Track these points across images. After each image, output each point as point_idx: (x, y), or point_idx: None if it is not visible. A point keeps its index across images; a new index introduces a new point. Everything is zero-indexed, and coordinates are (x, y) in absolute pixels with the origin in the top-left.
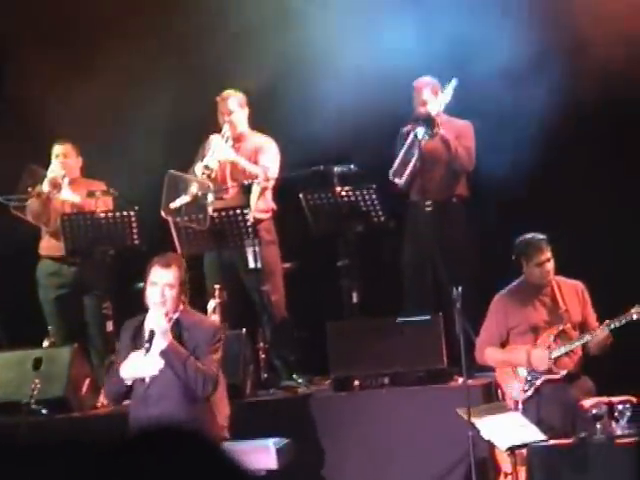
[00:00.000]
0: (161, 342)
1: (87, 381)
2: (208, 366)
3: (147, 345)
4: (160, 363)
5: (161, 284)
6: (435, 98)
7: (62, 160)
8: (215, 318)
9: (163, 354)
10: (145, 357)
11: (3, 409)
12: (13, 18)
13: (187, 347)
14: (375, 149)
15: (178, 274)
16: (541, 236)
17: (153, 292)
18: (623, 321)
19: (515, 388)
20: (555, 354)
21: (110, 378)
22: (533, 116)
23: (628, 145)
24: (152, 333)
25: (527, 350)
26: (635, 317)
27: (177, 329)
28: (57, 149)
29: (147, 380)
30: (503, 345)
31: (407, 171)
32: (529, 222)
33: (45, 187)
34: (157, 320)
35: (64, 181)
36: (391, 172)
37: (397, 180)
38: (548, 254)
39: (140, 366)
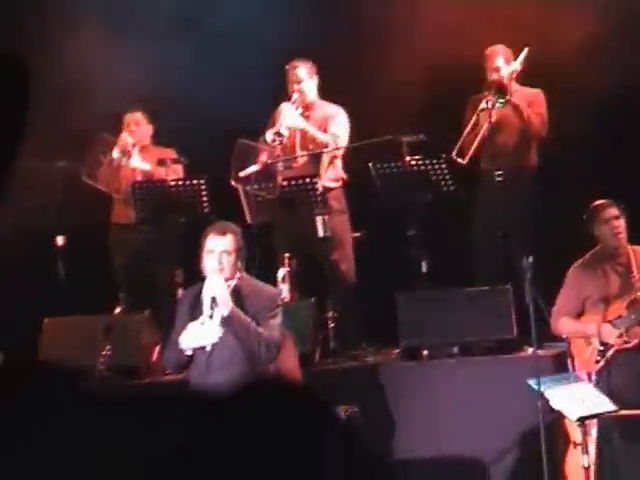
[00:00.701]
0: (223, 309)
1: (157, 348)
2: (270, 331)
3: (210, 312)
4: (221, 331)
5: (218, 251)
6: (507, 66)
7: (133, 128)
8: (285, 287)
9: (226, 321)
10: (205, 325)
11: (76, 375)
12: None
13: (247, 314)
14: (446, 118)
15: (234, 240)
16: (610, 200)
17: (210, 260)
18: None
19: (589, 358)
20: (625, 324)
21: (170, 349)
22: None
23: None
24: (214, 300)
25: (597, 323)
26: None
27: (236, 296)
28: (128, 117)
29: (208, 348)
30: (579, 315)
31: (472, 148)
32: (603, 194)
33: (115, 155)
34: (218, 287)
35: (134, 149)
36: (455, 151)
37: (460, 160)
38: (616, 212)
39: (200, 335)
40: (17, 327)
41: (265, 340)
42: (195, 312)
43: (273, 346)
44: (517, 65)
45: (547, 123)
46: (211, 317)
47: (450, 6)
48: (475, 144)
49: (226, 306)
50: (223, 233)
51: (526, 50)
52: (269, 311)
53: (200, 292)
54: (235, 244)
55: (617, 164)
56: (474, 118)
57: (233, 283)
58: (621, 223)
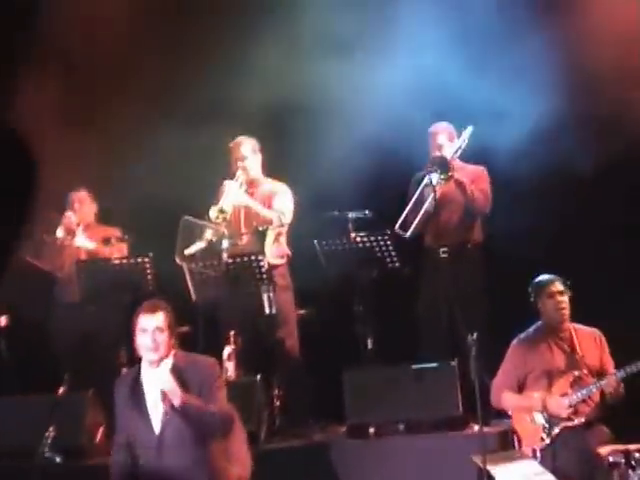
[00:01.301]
0: (175, 401)
1: (101, 429)
2: (220, 406)
3: (163, 408)
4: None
5: (150, 329)
6: (450, 144)
7: (76, 206)
8: (230, 364)
9: (181, 411)
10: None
11: (17, 455)
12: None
13: (191, 389)
14: (390, 195)
15: (166, 317)
16: (554, 275)
17: (144, 338)
18: (635, 369)
19: (533, 433)
20: (572, 401)
21: (117, 452)
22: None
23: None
24: (163, 394)
25: (543, 397)
26: None
27: (176, 374)
28: (72, 195)
29: (158, 431)
30: (520, 389)
31: (415, 222)
32: (548, 269)
33: (59, 233)
34: (163, 379)
35: (79, 227)
36: (398, 224)
37: (402, 233)
38: (561, 287)
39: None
40: None
41: (220, 417)
42: (135, 400)
43: (228, 421)
44: (460, 142)
45: (490, 199)
46: (166, 414)
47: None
48: (418, 218)
49: (177, 398)
50: (154, 311)
51: (470, 128)
52: (213, 381)
53: (137, 378)
54: (167, 321)
55: (563, 241)
56: (417, 194)
57: (170, 361)
58: (565, 299)
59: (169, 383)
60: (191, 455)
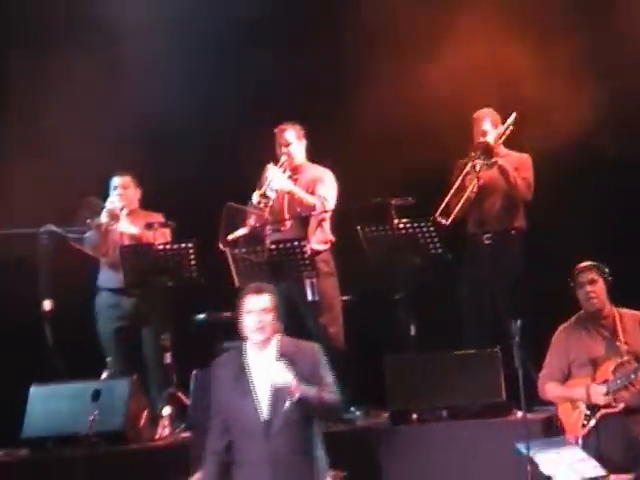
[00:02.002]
0: (296, 395)
1: (145, 413)
2: (332, 392)
3: (287, 403)
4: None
5: (257, 310)
6: (494, 130)
7: (121, 192)
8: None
9: (300, 403)
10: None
11: (61, 441)
12: None
13: (304, 375)
14: (434, 181)
15: (271, 299)
16: (592, 262)
17: (250, 319)
18: None
19: (575, 422)
20: (612, 387)
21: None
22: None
23: None
24: (278, 389)
25: (586, 386)
26: None
27: (288, 359)
28: (116, 180)
29: (264, 414)
30: (566, 378)
31: (456, 209)
32: (594, 255)
33: (104, 219)
34: (281, 374)
35: (122, 213)
36: (439, 211)
37: (443, 221)
38: (590, 276)
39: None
40: (3, 393)
41: (333, 402)
42: (241, 384)
43: (338, 405)
44: (504, 129)
45: (532, 187)
46: (288, 406)
47: (439, 67)
48: (460, 206)
49: (297, 390)
50: (259, 292)
51: (514, 114)
52: (323, 365)
53: (241, 361)
54: (272, 302)
55: (605, 225)
56: (459, 181)
57: (276, 345)
58: (595, 288)
59: (285, 376)
60: (298, 441)
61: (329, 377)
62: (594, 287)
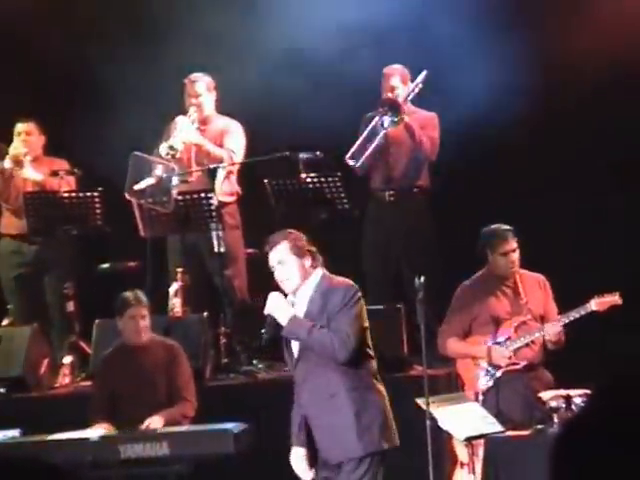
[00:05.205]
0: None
1: (46, 361)
2: (337, 327)
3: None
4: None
5: (274, 265)
6: (404, 86)
7: (25, 138)
8: (177, 301)
9: (287, 333)
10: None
11: None
12: None
13: (330, 314)
14: (342, 136)
15: (284, 248)
16: (507, 227)
17: (275, 275)
18: (577, 315)
19: (476, 378)
20: (514, 346)
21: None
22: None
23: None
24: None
25: (487, 345)
26: (594, 308)
27: (320, 296)
28: (20, 127)
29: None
30: (466, 335)
31: (364, 155)
32: (494, 214)
33: (7, 164)
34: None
35: (26, 159)
36: (348, 154)
37: (352, 162)
38: (514, 244)
39: None
40: None
41: (329, 338)
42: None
43: (339, 342)
44: (413, 86)
45: (437, 146)
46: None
47: None
48: (370, 151)
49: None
50: (272, 247)
51: (424, 72)
52: (341, 306)
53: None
54: (288, 250)
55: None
56: (367, 131)
57: (314, 283)
58: (517, 255)
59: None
60: (326, 378)
61: (342, 317)
62: (516, 254)
